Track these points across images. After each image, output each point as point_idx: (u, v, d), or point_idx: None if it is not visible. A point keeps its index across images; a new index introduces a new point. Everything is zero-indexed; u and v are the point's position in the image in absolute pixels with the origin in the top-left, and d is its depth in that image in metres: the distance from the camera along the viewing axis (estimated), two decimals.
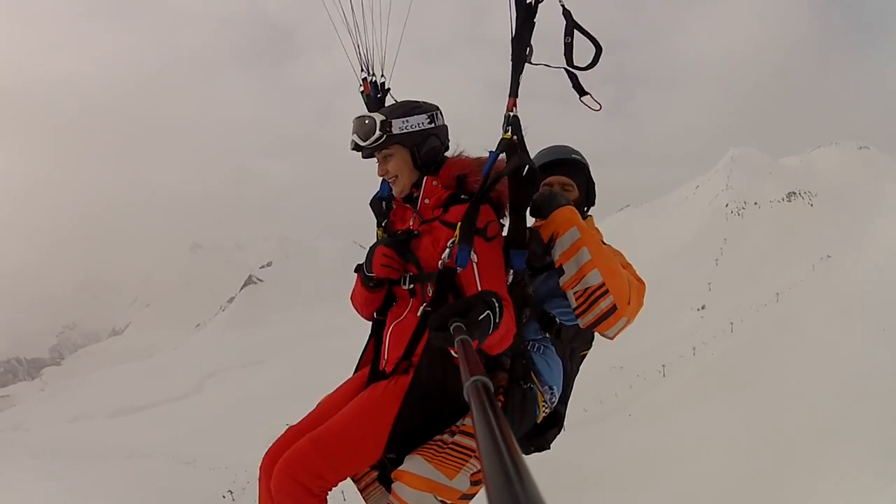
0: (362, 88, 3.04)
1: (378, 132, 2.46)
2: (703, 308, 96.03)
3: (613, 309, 2.51)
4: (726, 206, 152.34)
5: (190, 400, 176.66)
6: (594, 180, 3.09)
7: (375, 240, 2.71)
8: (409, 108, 2.56)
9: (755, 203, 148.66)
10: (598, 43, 2.42)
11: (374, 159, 2.61)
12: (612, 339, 2.69)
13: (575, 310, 2.59)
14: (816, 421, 18.41)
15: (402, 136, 2.50)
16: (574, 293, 2.56)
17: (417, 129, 2.53)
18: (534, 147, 2.74)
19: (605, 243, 2.75)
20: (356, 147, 2.53)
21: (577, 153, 3.05)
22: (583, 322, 2.60)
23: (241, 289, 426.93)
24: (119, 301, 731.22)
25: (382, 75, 3.02)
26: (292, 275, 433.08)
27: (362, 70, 3.02)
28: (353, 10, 2.81)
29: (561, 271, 2.59)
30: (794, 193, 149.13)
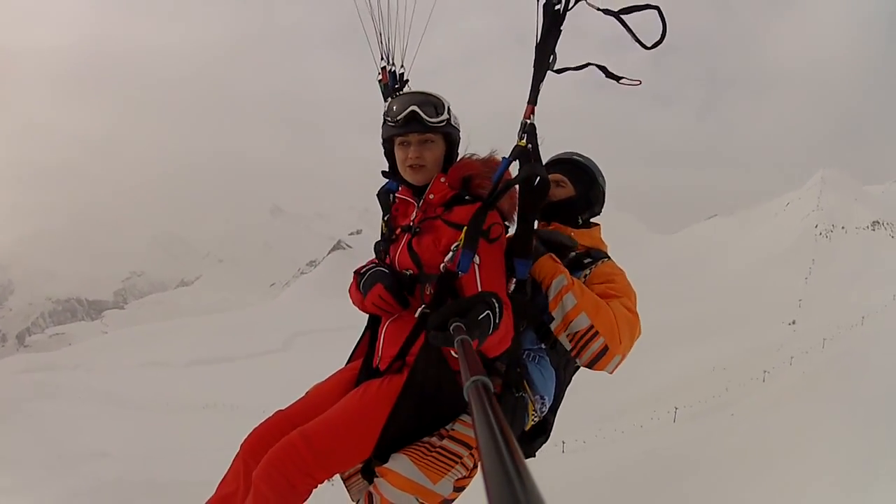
0: (380, 77, 2.92)
1: (445, 115, 2.39)
2: (794, 323, 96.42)
3: (605, 349, 2.50)
4: (815, 227, 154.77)
5: (277, 356, 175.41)
6: (603, 189, 3.00)
7: (380, 234, 2.70)
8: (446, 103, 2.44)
9: (842, 227, 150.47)
10: (655, 6, 2.21)
11: (401, 140, 2.46)
12: (611, 373, 2.66)
13: (570, 351, 2.58)
14: None
15: (451, 128, 2.45)
16: (566, 336, 2.54)
17: (458, 126, 2.48)
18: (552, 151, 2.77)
19: (616, 272, 2.76)
20: (412, 117, 2.38)
21: (580, 156, 3.00)
22: (580, 362, 2.61)
23: (329, 253, 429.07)
24: (191, 255, 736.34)
25: (402, 66, 2.91)
26: None
27: (382, 58, 2.90)
28: None
29: (551, 317, 2.56)
30: (878, 223, 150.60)
